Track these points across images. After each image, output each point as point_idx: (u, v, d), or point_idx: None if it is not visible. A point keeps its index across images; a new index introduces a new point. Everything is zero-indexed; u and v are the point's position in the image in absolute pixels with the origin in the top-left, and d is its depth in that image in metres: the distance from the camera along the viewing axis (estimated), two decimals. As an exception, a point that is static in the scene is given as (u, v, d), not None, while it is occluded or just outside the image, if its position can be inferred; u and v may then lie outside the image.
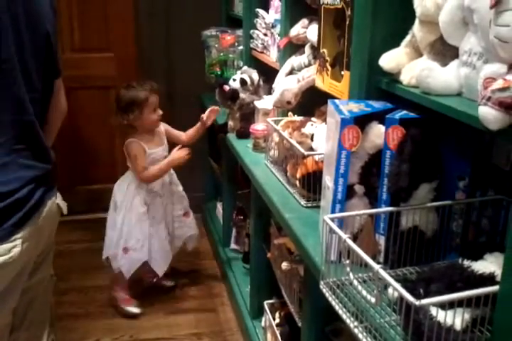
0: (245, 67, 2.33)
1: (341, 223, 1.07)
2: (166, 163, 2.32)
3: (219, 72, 2.66)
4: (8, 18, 1.17)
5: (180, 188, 2.51)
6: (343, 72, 1.30)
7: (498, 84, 0.74)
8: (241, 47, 2.56)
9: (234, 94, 2.20)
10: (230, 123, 2.29)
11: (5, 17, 1.16)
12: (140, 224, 2.32)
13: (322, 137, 1.44)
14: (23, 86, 1.22)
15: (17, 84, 1.21)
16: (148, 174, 2.30)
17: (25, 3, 1.21)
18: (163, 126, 2.43)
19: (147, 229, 2.33)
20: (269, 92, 2.05)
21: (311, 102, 1.70)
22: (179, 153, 2.33)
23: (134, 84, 2.29)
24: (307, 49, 1.74)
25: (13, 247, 1.20)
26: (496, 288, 0.76)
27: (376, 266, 0.84)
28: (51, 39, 1.30)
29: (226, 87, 2.27)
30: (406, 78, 1.06)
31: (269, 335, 1.97)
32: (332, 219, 1.02)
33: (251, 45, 2.39)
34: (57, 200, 1.41)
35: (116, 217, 2.35)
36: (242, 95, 2.20)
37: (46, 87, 1.33)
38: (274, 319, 1.92)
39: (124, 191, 2.35)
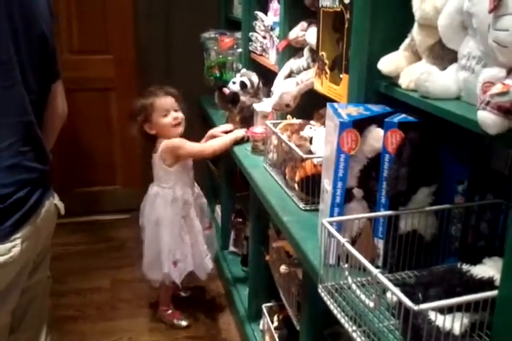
0: (244, 70, 2.33)
1: (340, 227, 1.06)
2: (229, 140, 2.16)
3: (218, 75, 2.66)
4: (5, 19, 1.17)
5: (204, 200, 2.43)
6: (341, 76, 1.30)
7: (497, 88, 0.74)
8: (240, 50, 2.56)
9: (234, 97, 2.20)
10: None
11: (3, 18, 1.16)
12: (181, 237, 2.25)
13: (321, 140, 1.44)
14: (22, 87, 1.22)
15: (17, 85, 1.21)
16: (210, 149, 2.19)
17: (21, 4, 1.21)
18: None
19: (188, 240, 2.26)
20: (268, 95, 2.05)
21: (309, 105, 1.71)
22: (240, 131, 2.19)
23: (149, 89, 2.23)
24: (306, 52, 1.74)
25: (13, 247, 1.20)
26: (494, 292, 0.76)
27: (375, 271, 0.84)
28: (47, 40, 1.29)
29: (226, 90, 2.26)
30: (405, 82, 1.06)
31: (267, 338, 1.97)
32: (331, 223, 1.01)
33: (250, 48, 2.39)
34: (55, 201, 1.41)
35: (160, 234, 2.25)
36: (242, 98, 2.20)
37: (42, 89, 1.33)
38: (272, 322, 1.92)
39: (160, 207, 2.24)
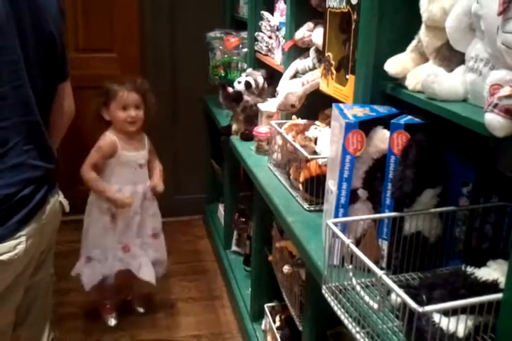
0: (250, 70, 2.33)
1: (344, 227, 1.06)
2: (108, 195, 2.15)
3: (223, 74, 2.66)
4: (13, 18, 1.17)
5: (155, 204, 2.33)
6: (348, 76, 1.30)
7: (505, 91, 0.74)
8: (245, 50, 2.55)
9: (238, 96, 2.20)
10: (234, 125, 2.29)
11: (10, 18, 1.16)
12: (105, 234, 2.22)
13: (326, 141, 1.44)
14: (29, 87, 1.23)
15: (24, 84, 1.21)
16: (87, 176, 2.18)
17: (29, 4, 1.21)
18: (147, 143, 2.29)
19: (114, 242, 2.22)
20: (273, 95, 2.05)
21: (315, 106, 1.70)
22: (126, 200, 2.16)
23: (123, 79, 2.21)
24: (312, 52, 1.74)
25: (18, 244, 1.21)
26: (499, 295, 0.76)
27: (379, 272, 0.84)
28: (55, 40, 1.30)
29: (230, 89, 2.27)
30: (411, 83, 1.06)
31: (269, 338, 1.97)
32: (335, 224, 1.01)
33: (255, 48, 2.39)
34: (60, 198, 1.42)
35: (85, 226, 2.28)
36: (246, 97, 2.20)
37: (49, 88, 1.34)
38: (274, 322, 1.92)
39: (91, 198, 2.26)
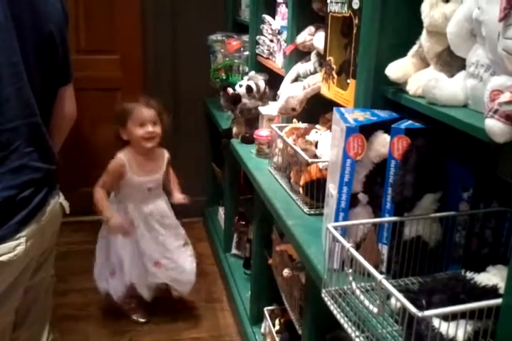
0: (252, 73, 2.33)
1: (344, 231, 1.06)
2: (104, 214, 2.17)
3: (224, 77, 2.67)
4: (11, 21, 1.17)
5: (172, 220, 2.34)
6: (349, 81, 1.30)
7: (505, 97, 0.74)
8: (247, 53, 2.56)
9: (236, 98, 2.21)
10: (235, 128, 2.29)
11: (9, 20, 1.16)
12: (122, 249, 2.27)
13: (326, 144, 1.44)
14: (29, 88, 1.23)
15: (25, 86, 1.22)
16: (95, 194, 2.20)
17: (30, 7, 1.21)
18: (166, 161, 2.30)
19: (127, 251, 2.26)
20: (274, 98, 2.05)
21: (315, 109, 1.71)
22: (119, 223, 2.16)
23: (136, 99, 2.23)
24: (313, 56, 1.74)
25: (18, 245, 1.21)
26: (498, 300, 0.76)
27: (379, 276, 0.84)
28: (55, 42, 1.29)
29: (230, 90, 2.28)
30: (412, 88, 1.06)
31: (268, 342, 1.97)
32: (335, 228, 1.02)
33: (257, 51, 2.39)
34: (60, 200, 1.42)
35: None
36: (244, 100, 2.20)
37: (49, 90, 1.34)
38: (273, 326, 1.92)
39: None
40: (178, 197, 2.30)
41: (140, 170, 2.22)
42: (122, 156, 2.20)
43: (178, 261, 2.30)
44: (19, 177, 1.22)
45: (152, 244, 2.25)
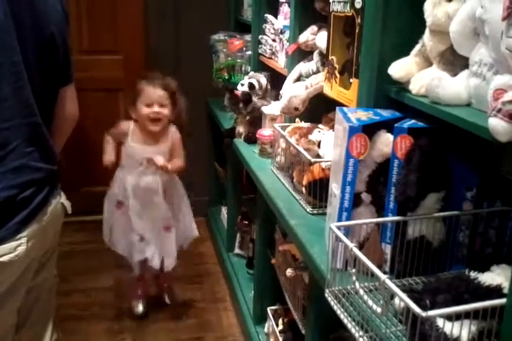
0: (252, 72, 2.33)
1: (348, 231, 1.06)
2: (103, 156, 2.23)
3: (226, 77, 2.67)
4: (12, 20, 1.16)
5: (161, 199, 2.25)
6: (351, 80, 1.30)
7: (509, 96, 0.74)
8: (249, 53, 2.56)
9: (247, 97, 2.20)
10: (238, 128, 2.29)
11: (9, 20, 1.16)
12: (113, 216, 2.31)
13: (329, 144, 1.44)
14: (29, 88, 1.22)
15: (25, 86, 1.21)
16: (104, 140, 2.27)
17: (30, 7, 1.21)
18: (172, 137, 2.25)
19: (129, 231, 2.27)
20: (277, 98, 2.05)
21: (318, 109, 1.71)
22: (106, 160, 2.22)
23: (156, 75, 2.19)
24: (315, 56, 1.74)
25: (19, 245, 1.21)
26: (502, 300, 0.76)
27: (383, 276, 0.84)
28: (56, 42, 1.29)
29: (237, 92, 2.28)
30: (415, 87, 1.06)
31: (271, 341, 1.97)
32: (338, 227, 1.01)
33: (259, 51, 2.39)
34: (62, 200, 1.42)
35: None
36: (254, 99, 2.20)
37: (50, 91, 1.33)
38: (277, 325, 1.91)
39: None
40: (158, 158, 2.18)
41: (141, 140, 2.20)
42: (128, 122, 2.21)
43: (160, 242, 2.29)
44: (20, 177, 1.22)
45: (139, 218, 2.25)
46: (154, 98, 2.13)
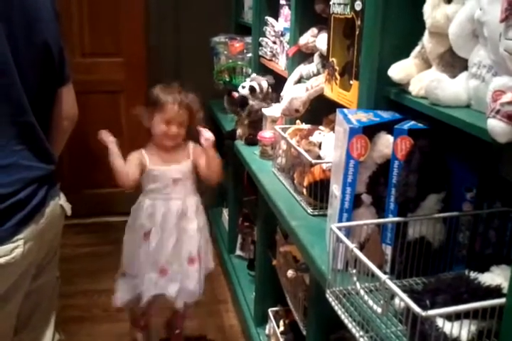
0: (254, 75, 2.34)
1: (348, 232, 1.07)
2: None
3: (227, 79, 2.68)
4: (1, 21, 1.16)
5: (194, 226, 2.06)
6: (351, 82, 1.31)
7: (507, 97, 0.75)
8: (250, 55, 2.57)
9: (243, 101, 2.21)
10: (239, 130, 2.30)
11: None
12: (138, 253, 2.03)
13: (330, 145, 1.45)
14: (21, 88, 1.21)
15: (13, 84, 1.20)
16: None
17: (22, 8, 1.21)
18: (192, 151, 2.09)
19: (147, 260, 2.02)
20: (278, 100, 2.06)
21: (319, 111, 1.71)
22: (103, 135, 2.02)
23: (175, 86, 2.07)
24: (316, 58, 1.75)
25: (15, 248, 1.19)
26: (502, 300, 0.76)
27: (383, 276, 0.85)
28: (48, 41, 1.27)
29: (235, 94, 2.28)
30: (415, 89, 1.06)
31: (273, 343, 1.97)
32: (339, 228, 1.02)
33: (260, 53, 2.40)
34: (61, 201, 1.40)
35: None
36: (251, 102, 2.21)
37: (46, 91, 1.32)
38: (278, 326, 1.92)
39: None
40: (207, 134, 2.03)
41: (161, 161, 2.04)
42: (141, 150, 2.06)
43: (183, 273, 2.07)
44: (11, 175, 1.20)
45: (163, 247, 2.03)
46: (175, 117, 2.02)
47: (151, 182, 2.04)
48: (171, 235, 2.03)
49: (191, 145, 2.12)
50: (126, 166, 2.01)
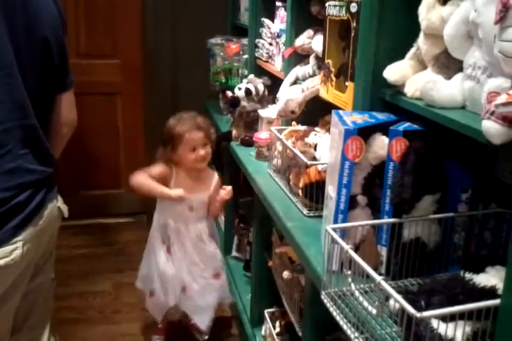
0: (251, 76, 2.34)
1: (343, 233, 1.07)
2: (160, 191, 2.05)
3: (223, 80, 2.68)
4: (4, 22, 1.16)
5: (213, 246, 2.20)
6: (347, 83, 1.31)
7: (502, 98, 0.75)
8: (246, 56, 2.57)
9: (234, 101, 2.21)
10: (234, 131, 2.30)
11: (2, 22, 1.16)
12: (164, 266, 2.13)
13: (325, 147, 1.45)
14: (24, 91, 1.22)
15: (18, 88, 1.21)
16: (137, 177, 2.06)
17: (24, 10, 1.21)
18: (214, 184, 2.18)
19: (172, 275, 2.12)
20: (274, 101, 2.06)
21: (314, 112, 1.71)
22: (178, 193, 2.04)
23: (183, 116, 2.10)
24: (312, 59, 1.75)
25: (14, 249, 1.20)
26: (497, 301, 0.76)
27: (378, 278, 0.85)
28: (50, 45, 1.28)
29: (228, 93, 2.29)
30: (410, 90, 1.07)
31: (268, 344, 1.97)
32: (334, 230, 1.02)
33: (256, 54, 2.40)
34: (58, 203, 1.41)
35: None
36: (243, 103, 2.21)
37: (46, 95, 1.32)
38: (274, 328, 1.92)
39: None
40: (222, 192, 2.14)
41: (185, 187, 2.08)
42: (168, 167, 2.11)
43: (201, 291, 2.17)
44: (14, 180, 1.21)
45: (184, 266, 2.14)
46: (198, 142, 2.06)
47: (169, 203, 2.11)
48: (192, 255, 2.14)
49: (215, 177, 2.21)
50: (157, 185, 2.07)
